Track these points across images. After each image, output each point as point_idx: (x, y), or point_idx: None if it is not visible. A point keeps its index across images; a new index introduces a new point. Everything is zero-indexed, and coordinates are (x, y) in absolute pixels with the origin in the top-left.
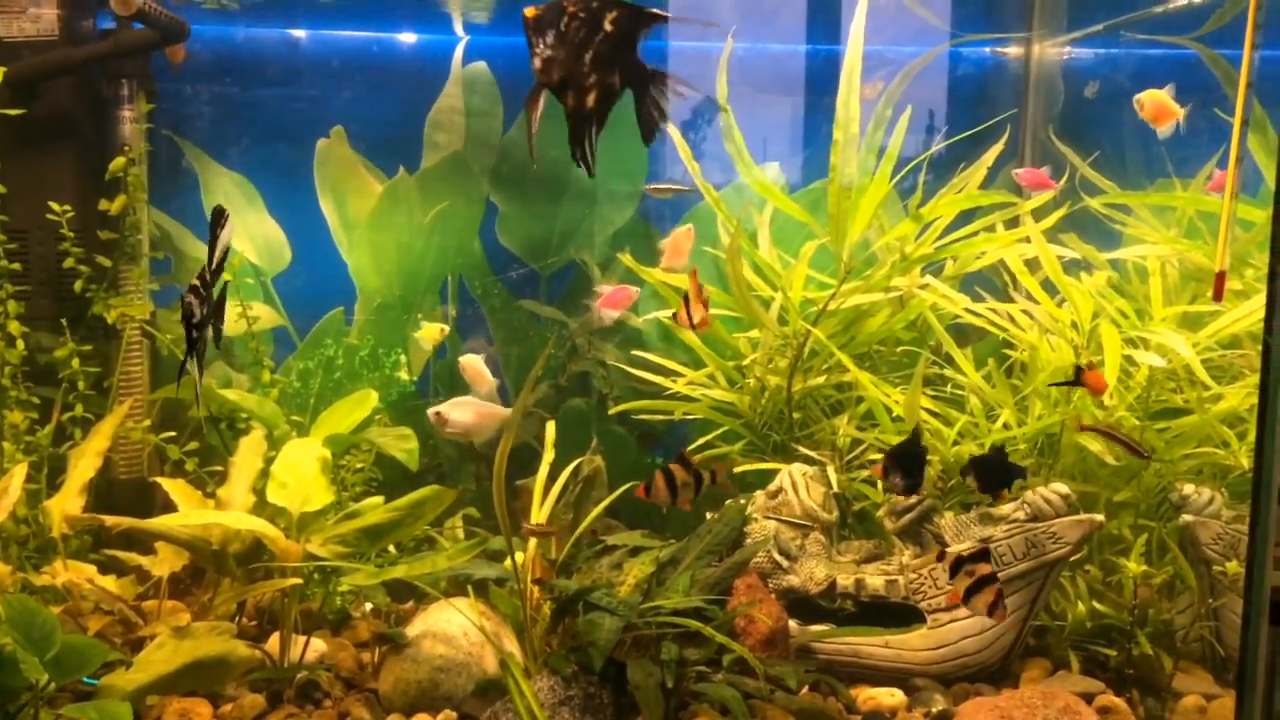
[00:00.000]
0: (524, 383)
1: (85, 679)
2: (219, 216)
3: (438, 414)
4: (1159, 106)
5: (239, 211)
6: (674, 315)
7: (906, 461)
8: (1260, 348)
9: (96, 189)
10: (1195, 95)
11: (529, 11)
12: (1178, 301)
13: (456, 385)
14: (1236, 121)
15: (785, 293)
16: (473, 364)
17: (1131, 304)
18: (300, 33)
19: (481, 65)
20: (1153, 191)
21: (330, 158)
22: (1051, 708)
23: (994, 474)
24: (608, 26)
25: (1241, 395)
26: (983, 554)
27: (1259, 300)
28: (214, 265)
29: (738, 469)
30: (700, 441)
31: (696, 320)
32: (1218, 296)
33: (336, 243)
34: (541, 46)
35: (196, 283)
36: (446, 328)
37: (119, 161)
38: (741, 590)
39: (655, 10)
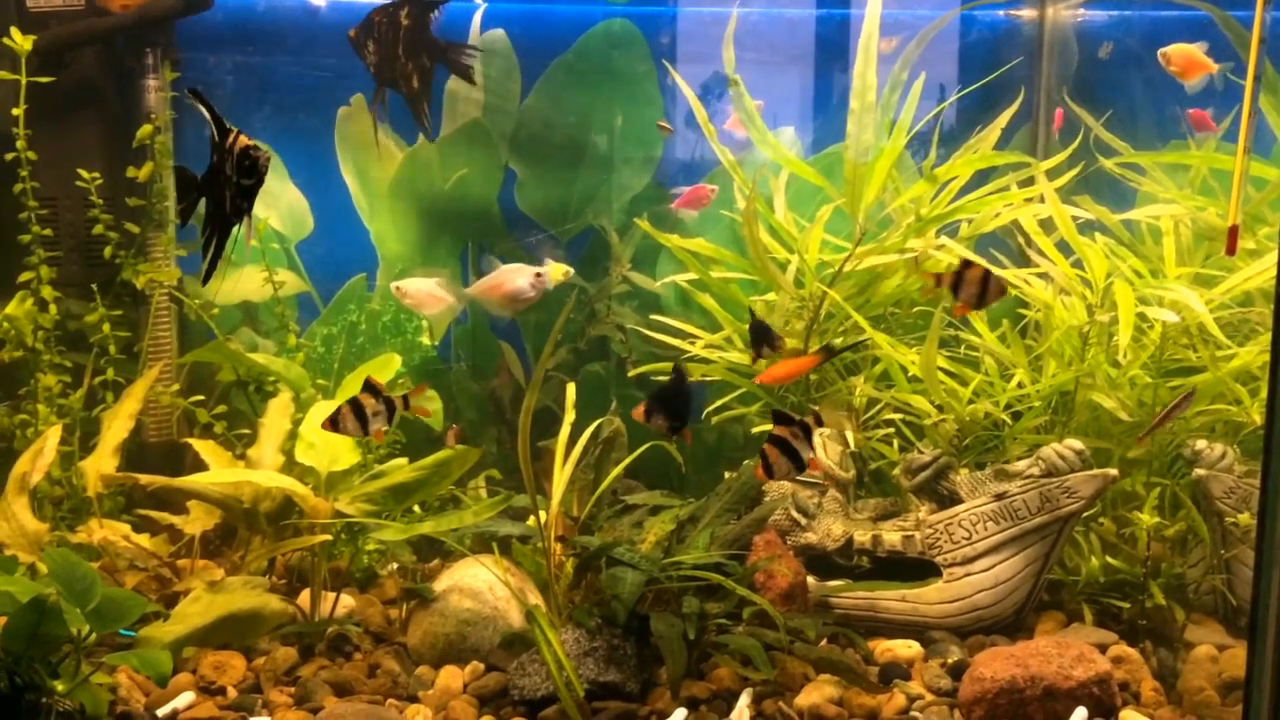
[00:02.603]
0: (543, 347)
1: (122, 631)
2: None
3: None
4: (1188, 60)
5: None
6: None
7: (670, 403)
8: (1274, 305)
9: (123, 157)
10: (1208, 56)
11: (351, 33)
12: (1191, 262)
13: (478, 350)
14: (1249, 77)
15: (801, 255)
16: (417, 287)
17: (1146, 264)
18: (320, 1)
19: (499, 33)
20: (1167, 153)
21: (351, 125)
22: (1066, 656)
23: (759, 337)
24: (404, 21)
25: (1255, 353)
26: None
27: (1272, 258)
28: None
29: (756, 429)
30: (718, 403)
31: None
32: (1230, 250)
33: (358, 210)
34: (368, 56)
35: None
36: (570, 269)
37: (146, 129)
38: (760, 547)
39: None
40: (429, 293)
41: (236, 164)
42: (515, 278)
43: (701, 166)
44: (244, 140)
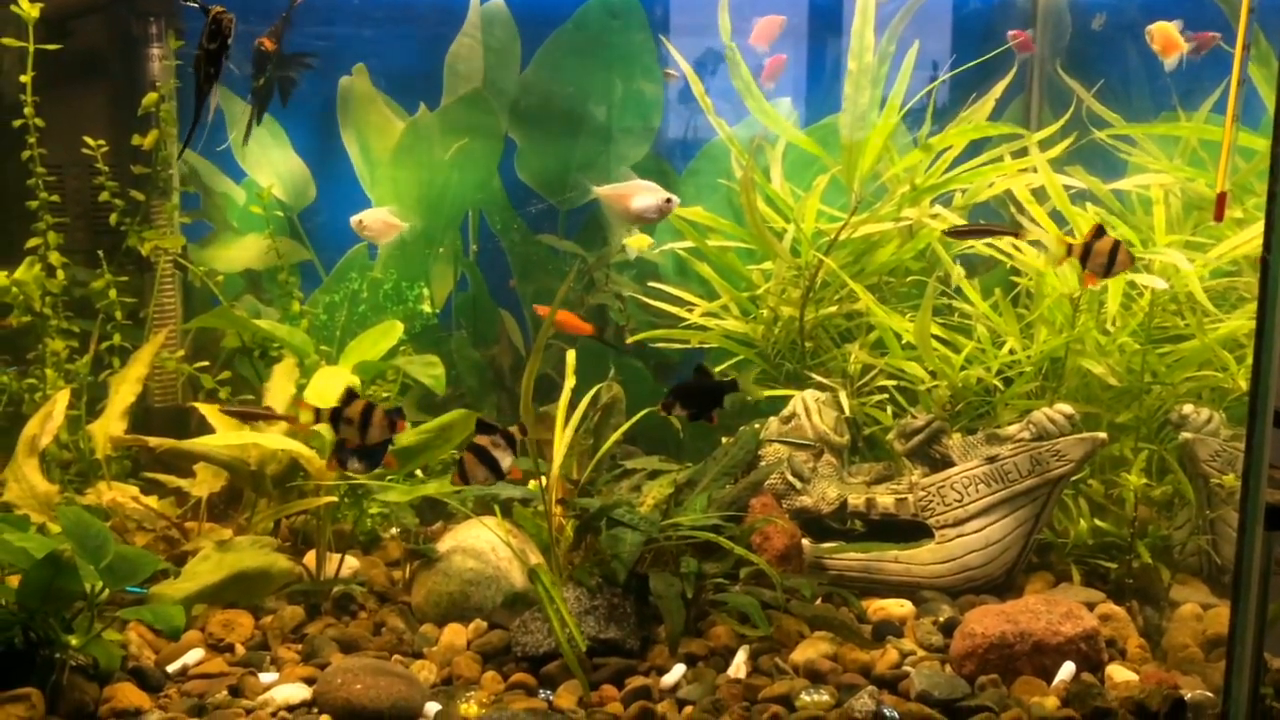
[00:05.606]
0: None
1: (132, 589)
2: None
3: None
4: (1168, 38)
5: (265, 149)
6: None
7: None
8: (1260, 274)
9: (127, 125)
10: (1202, 29)
11: (268, 44)
12: (1180, 232)
13: (479, 318)
14: (1238, 46)
15: (798, 224)
16: (374, 217)
17: (1136, 234)
18: None
19: (499, 3)
20: (1158, 124)
21: (353, 95)
22: (1055, 613)
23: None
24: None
25: (1242, 319)
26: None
27: (1259, 227)
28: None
29: (753, 397)
30: (714, 371)
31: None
32: (1218, 217)
33: (359, 179)
34: (269, 69)
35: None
36: (651, 239)
37: (151, 97)
38: (757, 510)
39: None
40: (384, 220)
41: (206, 31)
42: (646, 195)
43: (698, 138)
44: (215, 9)
